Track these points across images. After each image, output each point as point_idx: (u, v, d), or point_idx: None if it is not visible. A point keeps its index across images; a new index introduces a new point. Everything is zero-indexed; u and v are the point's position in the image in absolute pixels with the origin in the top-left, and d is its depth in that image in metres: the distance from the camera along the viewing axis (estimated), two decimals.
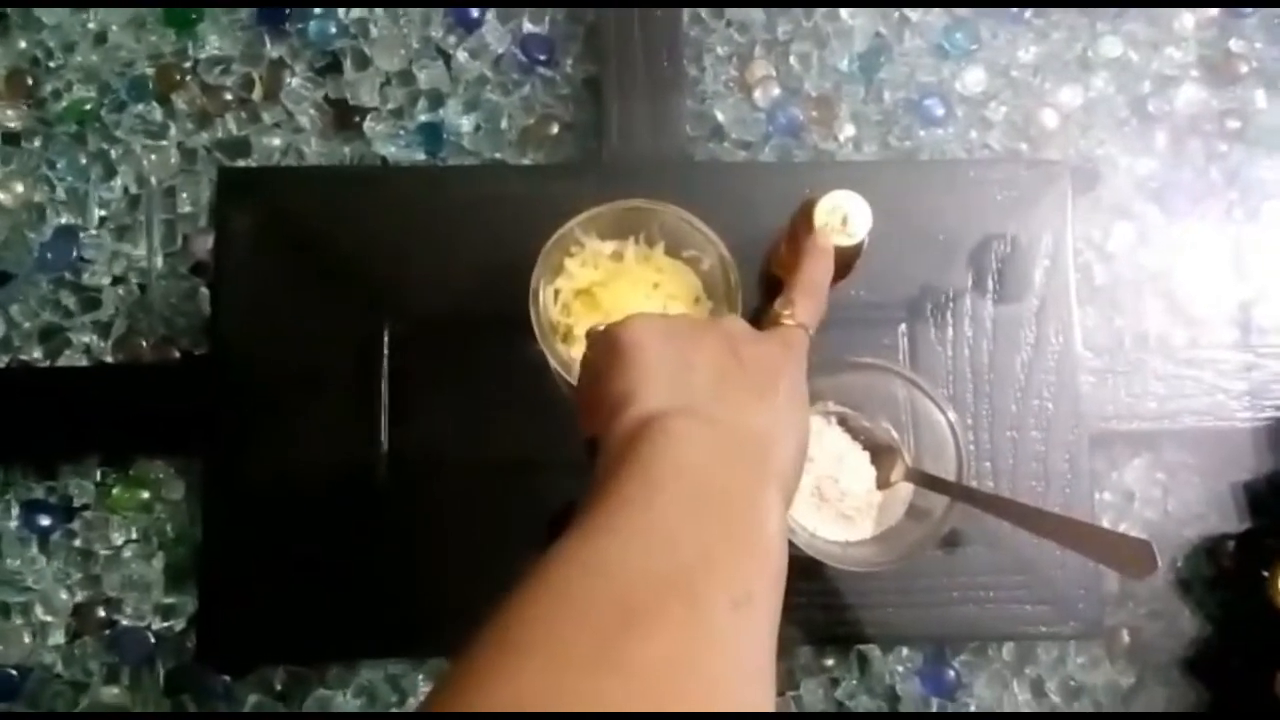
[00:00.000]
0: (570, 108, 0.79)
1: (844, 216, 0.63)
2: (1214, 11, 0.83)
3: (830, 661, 0.73)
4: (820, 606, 0.70)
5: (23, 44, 0.77)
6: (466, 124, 0.78)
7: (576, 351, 0.66)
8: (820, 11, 0.81)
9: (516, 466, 0.70)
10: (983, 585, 0.71)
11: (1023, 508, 0.60)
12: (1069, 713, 0.74)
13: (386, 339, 0.71)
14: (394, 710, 0.70)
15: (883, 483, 0.65)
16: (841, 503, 0.64)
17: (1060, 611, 0.70)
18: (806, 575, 0.69)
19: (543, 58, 0.79)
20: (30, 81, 0.77)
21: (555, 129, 0.78)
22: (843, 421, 0.67)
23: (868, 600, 0.70)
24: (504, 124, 0.78)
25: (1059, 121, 0.82)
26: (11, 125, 0.76)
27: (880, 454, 0.66)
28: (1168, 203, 0.81)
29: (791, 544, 0.62)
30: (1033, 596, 0.71)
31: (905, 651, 0.73)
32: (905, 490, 0.66)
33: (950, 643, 0.73)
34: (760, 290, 0.73)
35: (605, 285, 0.67)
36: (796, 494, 0.64)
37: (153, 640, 0.71)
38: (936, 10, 0.82)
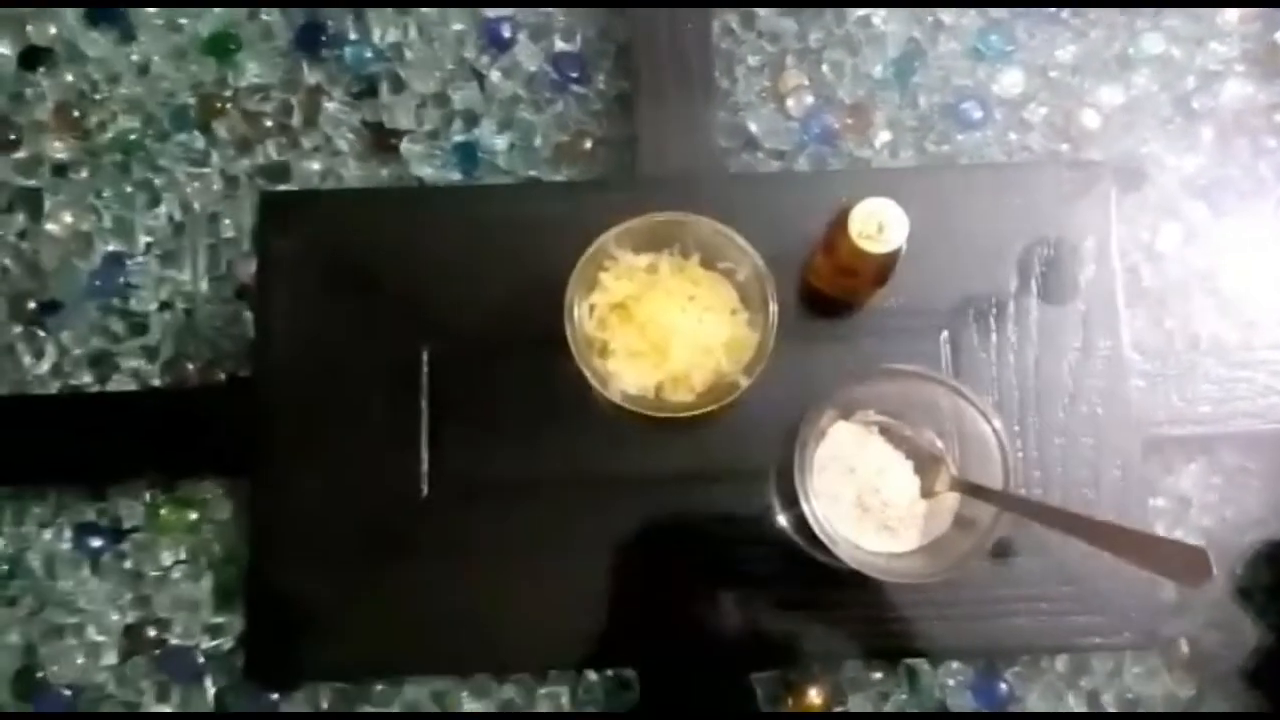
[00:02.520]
0: (603, 124, 0.79)
1: (879, 224, 0.62)
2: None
3: (878, 675, 0.72)
4: (866, 619, 0.69)
5: (69, 77, 0.79)
6: (501, 143, 0.79)
7: (614, 366, 0.66)
8: (852, 18, 0.81)
9: (559, 484, 0.70)
10: (1033, 596, 0.69)
11: (1071, 516, 0.59)
12: (1078, 713, 0.72)
13: (426, 358, 0.72)
14: None
15: (927, 492, 0.63)
16: (884, 513, 0.63)
17: (1113, 622, 0.69)
18: (851, 587, 0.68)
19: (575, 75, 0.80)
20: (76, 114, 0.78)
21: (589, 145, 0.79)
22: (884, 431, 0.66)
23: (915, 613, 0.69)
24: (538, 142, 0.79)
25: (1100, 121, 0.80)
26: (59, 156, 0.78)
27: (924, 463, 0.65)
28: (1215, 201, 0.79)
29: (834, 556, 0.61)
30: (1084, 607, 0.69)
31: (955, 665, 0.72)
32: (951, 500, 0.65)
33: (1001, 655, 0.72)
34: (799, 301, 0.72)
35: (640, 298, 0.66)
36: (839, 505, 0.64)
37: (202, 659, 0.72)
38: (971, 13, 0.81)
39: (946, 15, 0.81)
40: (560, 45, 0.80)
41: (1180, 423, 0.73)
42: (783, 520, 0.70)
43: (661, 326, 0.65)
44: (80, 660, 0.71)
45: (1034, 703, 0.72)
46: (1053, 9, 0.81)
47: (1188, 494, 0.75)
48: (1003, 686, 0.72)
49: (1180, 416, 0.73)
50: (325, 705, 0.71)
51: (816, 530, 0.60)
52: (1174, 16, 0.82)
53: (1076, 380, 0.72)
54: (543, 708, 0.71)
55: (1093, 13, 0.82)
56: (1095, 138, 0.80)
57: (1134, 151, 0.80)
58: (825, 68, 0.80)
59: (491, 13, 0.80)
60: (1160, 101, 0.81)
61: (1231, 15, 0.82)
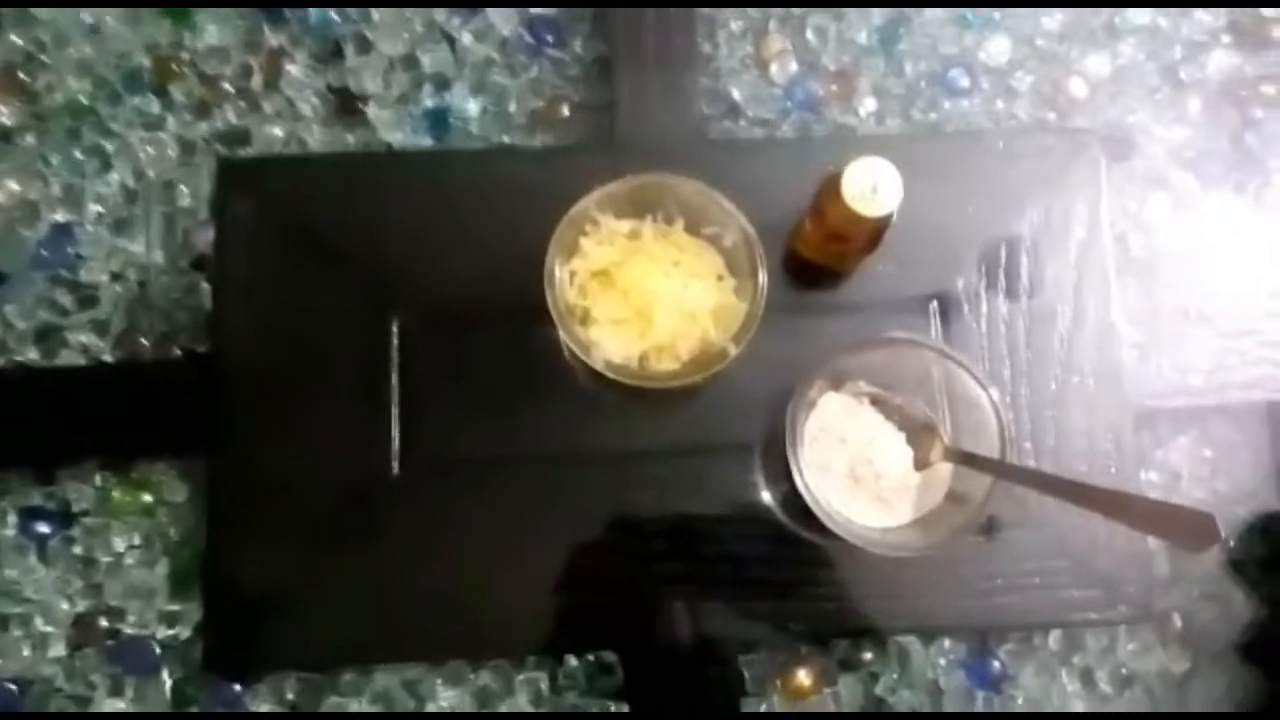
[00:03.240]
0: (580, 89, 0.76)
1: (873, 185, 0.60)
2: None
3: (868, 655, 0.70)
4: (856, 597, 0.67)
5: (15, 38, 0.75)
6: (473, 108, 0.75)
7: (595, 334, 0.63)
8: None
9: (536, 460, 0.67)
10: (1026, 571, 0.67)
11: (1072, 483, 0.56)
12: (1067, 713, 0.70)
13: (396, 331, 0.68)
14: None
15: (920, 464, 0.61)
16: (877, 485, 0.60)
17: (1109, 596, 0.67)
18: (840, 566, 0.66)
19: (550, 38, 0.77)
20: (23, 76, 0.74)
21: (565, 111, 0.76)
22: (875, 402, 0.64)
23: (906, 589, 0.67)
24: (512, 107, 0.76)
25: (1087, 90, 0.79)
26: (4, 121, 0.74)
27: (916, 434, 0.63)
28: (1204, 171, 0.78)
29: (827, 531, 0.59)
30: (1079, 581, 0.67)
31: (947, 643, 0.70)
32: (944, 471, 0.62)
33: (994, 632, 0.70)
34: (784, 270, 0.70)
35: (623, 265, 0.64)
36: (831, 477, 0.62)
37: (158, 650, 0.68)
38: None
39: None
40: (535, 9, 0.77)
41: (1171, 394, 0.72)
42: (768, 497, 0.67)
43: (645, 293, 0.62)
44: (27, 653, 0.67)
45: (1027, 680, 0.70)
46: None
47: (1178, 466, 0.74)
48: (995, 664, 0.70)
49: (1171, 388, 0.72)
50: (290, 695, 0.67)
51: (809, 503, 0.57)
52: None
53: (1068, 351, 0.70)
54: (521, 694, 0.67)
55: None
56: (1082, 107, 0.78)
57: (1121, 121, 0.78)
58: (809, 33, 0.77)
59: None
60: (1147, 71, 0.79)
61: None
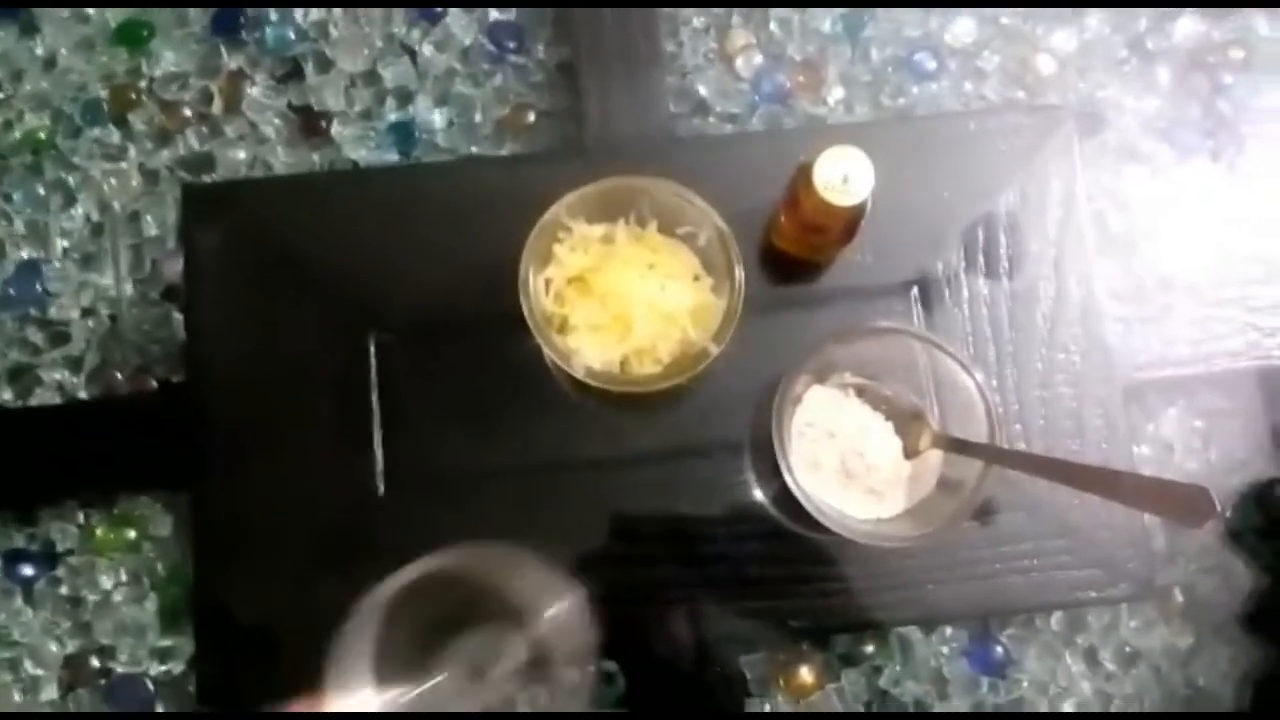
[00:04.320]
0: (546, 95, 0.76)
1: (844, 175, 0.59)
2: None
3: (870, 648, 0.69)
4: (854, 591, 0.66)
5: None
6: (439, 120, 0.75)
7: (574, 341, 0.62)
8: None
9: (525, 471, 0.66)
10: (1025, 554, 0.67)
11: (1063, 464, 0.56)
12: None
13: (373, 349, 0.67)
14: None
15: (910, 452, 0.61)
16: (869, 477, 0.60)
17: (1109, 574, 0.66)
18: (837, 559, 0.65)
19: (512, 45, 0.76)
20: None
21: (532, 118, 0.75)
22: (861, 393, 0.63)
23: (904, 580, 0.66)
24: (478, 117, 0.75)
25: (1055, 66, 0.78)
26: None
27: (904, 423, 0.62)
28: (1177, 140, 0.77)
29: (821, 526, 0.58)
30: (1079, 561, 0.66)
31: (949, 631, 0.69)
32: (935, 459, 0.62)
33: (995, 617, 0.69)
34: (762, 265, 0.69)
35: (598, 270, 0.63)
36: (821, 472, 0.61)
37: (151, 687, 0.67)
38: None
39: None
40: (495, 14, 0.76)
41: (1159, 366, 0.72)
42: (760, 495, 0.67)
43: (622, 297, 0.62)
44: (18, 697, 0.66)
45: (1031, 664, 0.69)
46: None
47: (1170, 439, 0.73)
48: (998, 649, 0.69)
49: (1159, 360, 0.72)
50: None
51: (801, 500, 0.57)
52: None
53: (1052, 329, 0.69)
54: (521, 707, 0.66)
55: None
56: (1051, 83, 0.78)
57: (1091, 96, 0.78)
58: (773, 25, 0.77)
59: None
60: (1114, 44, 0.79)
61: None
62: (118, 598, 0.68)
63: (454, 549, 0.51)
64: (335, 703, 0.48)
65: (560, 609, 0.54)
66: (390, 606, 0.50)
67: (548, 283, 0.63)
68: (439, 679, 0.54)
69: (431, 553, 0.64)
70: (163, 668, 0.67)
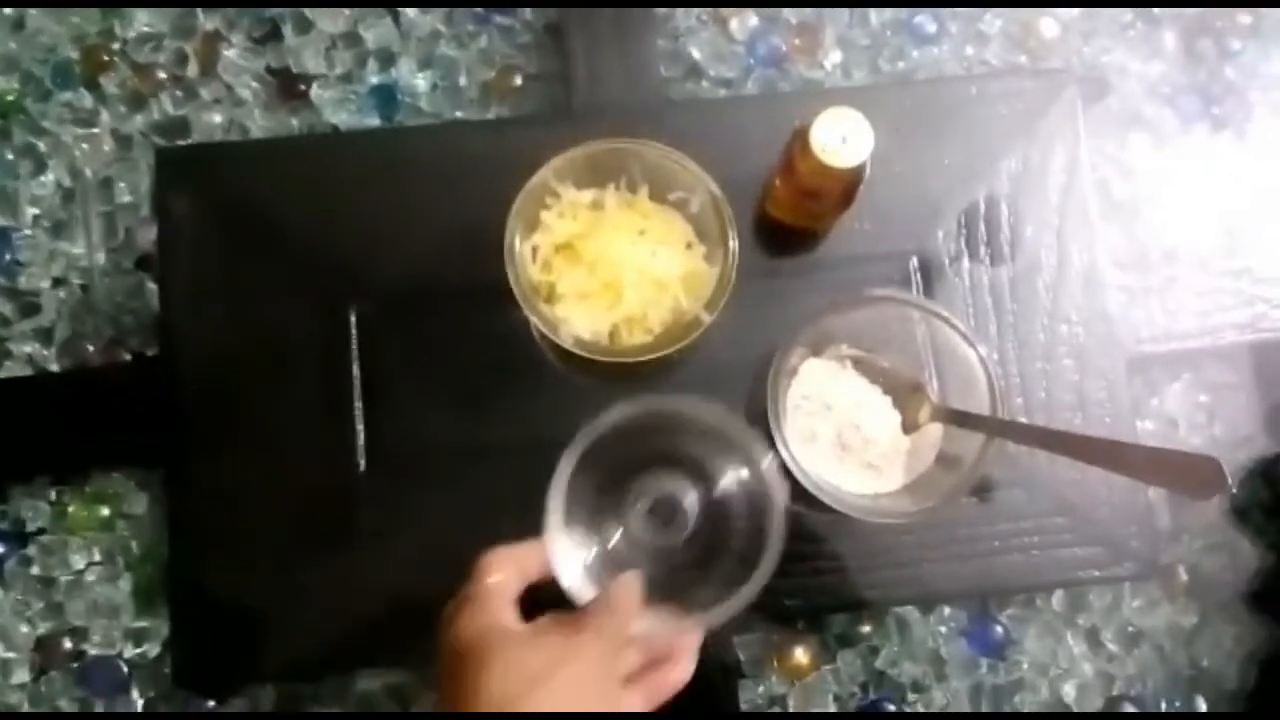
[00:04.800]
0: (533, 57, 0.73)
1: (843, 136, 0.57)
2: None
3: (867, 628, 0.67)
4: (850, 569, 0.64)
5: None
6: (422, 83, 0.72)
7: (562, 310, 0.60)
8: None
9: (509, 448, 0.64)
10: (1025, 531, 0.65)
11: (1068, 436, 0.54)
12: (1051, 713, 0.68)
13: (354, 320, 0.65)
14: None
15: (909, 426, 0.59)
16: (866, 452, 0.58)
17: (1112, 552, 0.65)
18: (833, 537, 0.64)
19: (498, 6, 0.73)
20: None
21: (519, 81, 0.72)
22: (859, 365, 0.61)
23: (902, 558, 0.64)
24: (463, 80, 0.72)
25: (1059, 30, 0.76)
26: None
27: (903, 397, 0.60)
28: (1183, 107, 0.75)
29: (817, 501, 0.56)
30: (1080, 538, 0.65)
31: (947, 611, 0.67)
32: (934, 434, 0.60)
33: (995, 596, 0.68)
34: (756, 234, 0.67)
35: (587, 237, 0.61)
36: (817, 445, 0.59)
37: (126, 669, 0.65)
38: None
39: None
40: None
41: (1164, 338, 0.70)
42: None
43: (612, 264, 0.60)
44: None
45: (1031, 644, 0.67)
46: None
47: (1174, 413, 0.71)
48: (998, 630, 0.67)
49: (1164, 332, 0.70)
50: (269, 708, 0.64)
51: (797, 474, 0.55)
52: None
53: (1054, 300, 0.67)
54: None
55: None
56: (1054, 48, 0.76)
57: (1095, 61, 0.76)
58: None
59: None
60: (1119, 8, 0.77)
61: None
62: (90, 578, 0.65)
63: (651, 397, 0.51)
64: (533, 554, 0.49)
65: (742, 474, 0.54)
66: (589, 452, 0.51)
67: (534, 250, 0.61)
68: (616, 537, 0.57)
69: (415, 532, 0.63)
70: (137, 650, 0.65)
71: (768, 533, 0.51)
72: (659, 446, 0.58)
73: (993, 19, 0.75)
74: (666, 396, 0.53)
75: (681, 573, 0.58)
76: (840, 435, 0.58)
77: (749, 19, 0.74)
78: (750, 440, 0.52)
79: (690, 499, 0.59)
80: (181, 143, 0.70)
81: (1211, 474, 0.49)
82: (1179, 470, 0.50)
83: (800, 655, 0.67)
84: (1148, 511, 0.66)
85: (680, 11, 0.74)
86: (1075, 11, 0.76)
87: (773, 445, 0.55)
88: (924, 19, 0.75)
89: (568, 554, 0.51)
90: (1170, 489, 0.52)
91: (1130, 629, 0.68)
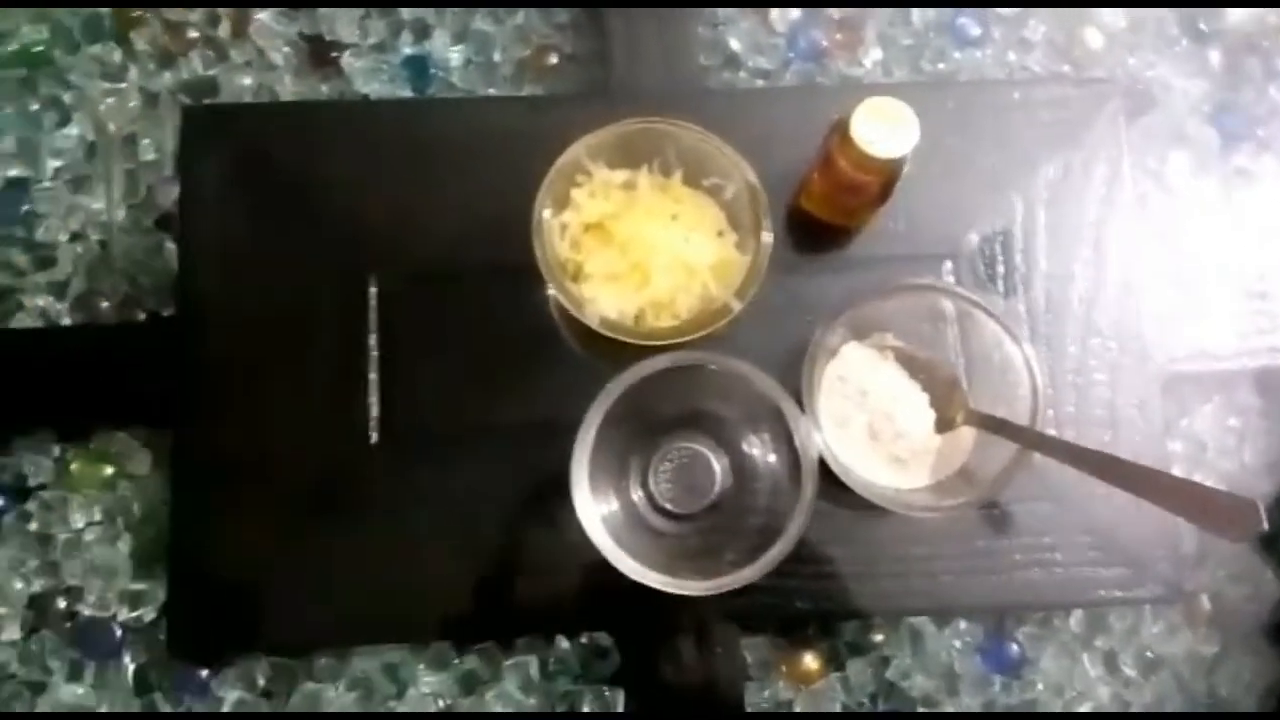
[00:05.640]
0: (570, 37, 0.72)
1: (888, 125, 0.55)
2: None
3: (879, 638, 0.65)
4: (865, 575, 0.62)
5: None
6: (456, 57, 0.71)
7: (588, 290, 0.59)
8: None
9: (524, 430, 0.62)
10: (1048, 547, 0.63)
11: (1107, 459, 0.52)
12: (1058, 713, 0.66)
13: (374, 292, 0.64)
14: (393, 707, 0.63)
15: (944, 426, 0.57)
16: (895, 444, 0.56)
17: (1137, 574, 0.63)
18: (851, 540, 0.62)
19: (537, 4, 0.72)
20: None
21: (554, 60, 0.71)
22: (899, 356, 0.60)
23: (919, 567, 0.63)
24: (497, 56, 0.71)
25: (1104, 41, 0.75)
26: None
27: (941, 396, 0.59)
28: (1226, 125, 0.74)
29: (838, 487, 0.54)
30: (1105, 558, 0.63)
31: (963, 625, 0.66)
32: (966, 439, 0.58)
33: (1013, 612, 0.66)
34: (787, 229, 0.65)
35: (618, 217, 0.59)
36: (849, 430, 0.57)
37: (119, 632, 0.63)
38: None
39: None
40: None
41: (1197, 359, 0.68)
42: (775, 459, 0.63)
43: (643, 246, 0.58)
44: None
45: (1047, 664, 0.66)
46: None
47: (1203, 436, 0.70)
48: (1014, 648, 0.66)
49: (1197, 352, 0.68)
50: (262, 681, 0.62)
51: (823, 453, 0.53)
52: None
53: (1088, 312, 0.66)
54: (509, 679, 0.63)
55: None
56: (1099, 59, 0.74)
57: (1139, 74, 0.74)
58: None
59: None
60: (1166, 21, 0.76)
61: None
62: (89, 537, 0.64)
63: (682, 352, 0.54)
64: None
65: (771, 444, 0.57)
66: (619, 402, 0.53)
67: (563, 227, 0.60)
68: (639, 494, 0.60)
69: (424, 508, 0.61)
70: (133, 613, 0.63)
71: (796, 498, 0.52)
72: (689, 406, 0.58)
73: (1037, 25, 0.74)
74: (699, 351, 0.54)
75: (699, 538, 0.58)
76: (872, 424, 0.57)
77: (790, 12, 0.73)
78: (782, 398, 0.52)
79: (717, 465, 0.60)
80: (210, 104, 0.69)
81: (1249, 516, 0.47)
82: (1217, 509, 0.49)
83: (810, 661, 0.65)
84: (1174, 535, 0.64)
85: None
86: (1121, 23, 0.75)
87: (794, 439, 0.54)
88: (968, 21, 0.73)
89: (589, 503, 0.53)
90: (1205, 527, 0.50)
91: (1149, 655, 0.66)
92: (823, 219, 0.65)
